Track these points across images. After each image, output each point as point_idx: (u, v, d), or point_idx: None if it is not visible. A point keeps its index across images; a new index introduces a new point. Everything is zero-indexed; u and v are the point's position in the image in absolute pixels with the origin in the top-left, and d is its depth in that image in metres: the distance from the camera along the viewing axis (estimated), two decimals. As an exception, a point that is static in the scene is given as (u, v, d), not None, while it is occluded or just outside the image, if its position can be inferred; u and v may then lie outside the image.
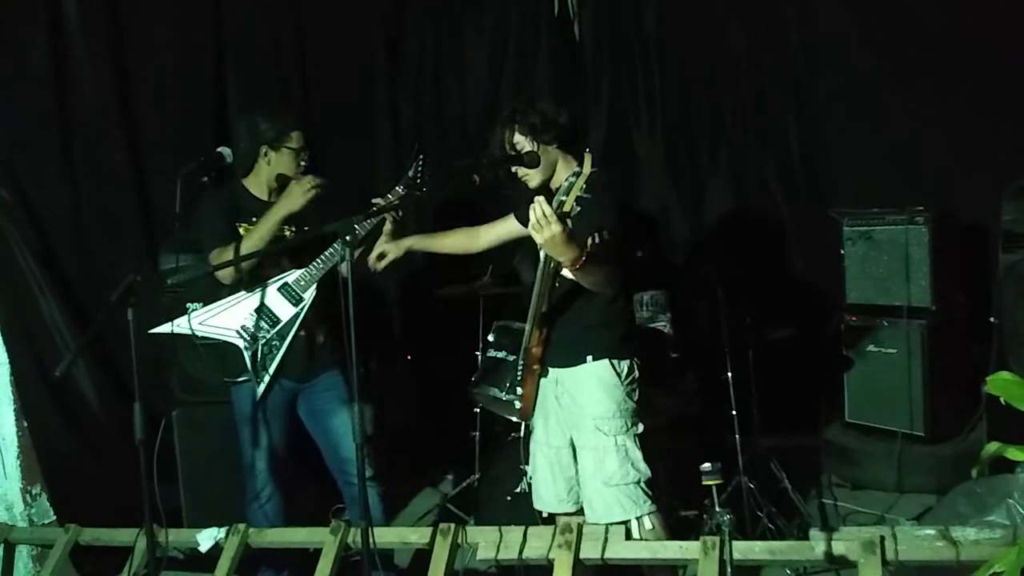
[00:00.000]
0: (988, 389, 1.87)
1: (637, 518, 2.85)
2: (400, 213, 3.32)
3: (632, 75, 5.38)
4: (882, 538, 2.61)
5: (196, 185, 3.06)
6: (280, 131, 3.34)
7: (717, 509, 2.58)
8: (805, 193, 5.13)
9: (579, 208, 2.47)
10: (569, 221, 2.43)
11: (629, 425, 2.88)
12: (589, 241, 2.52)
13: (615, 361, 2.89)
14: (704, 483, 2.79)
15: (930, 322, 4.28)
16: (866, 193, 4.64)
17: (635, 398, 2.92)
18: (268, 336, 3.34)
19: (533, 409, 3.08)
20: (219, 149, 3.21)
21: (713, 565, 2.58)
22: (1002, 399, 1.88)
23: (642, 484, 2.86)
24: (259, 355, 3.35)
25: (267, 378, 3.35)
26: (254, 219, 3.33)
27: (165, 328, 3.33)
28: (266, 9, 4.92)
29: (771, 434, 4.17)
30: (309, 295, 3.32)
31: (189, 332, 3.29)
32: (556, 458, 3.02)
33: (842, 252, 4.58)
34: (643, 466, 2.87)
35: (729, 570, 2.37)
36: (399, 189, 3.35)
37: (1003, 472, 3.13)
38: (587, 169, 2.53)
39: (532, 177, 2.91)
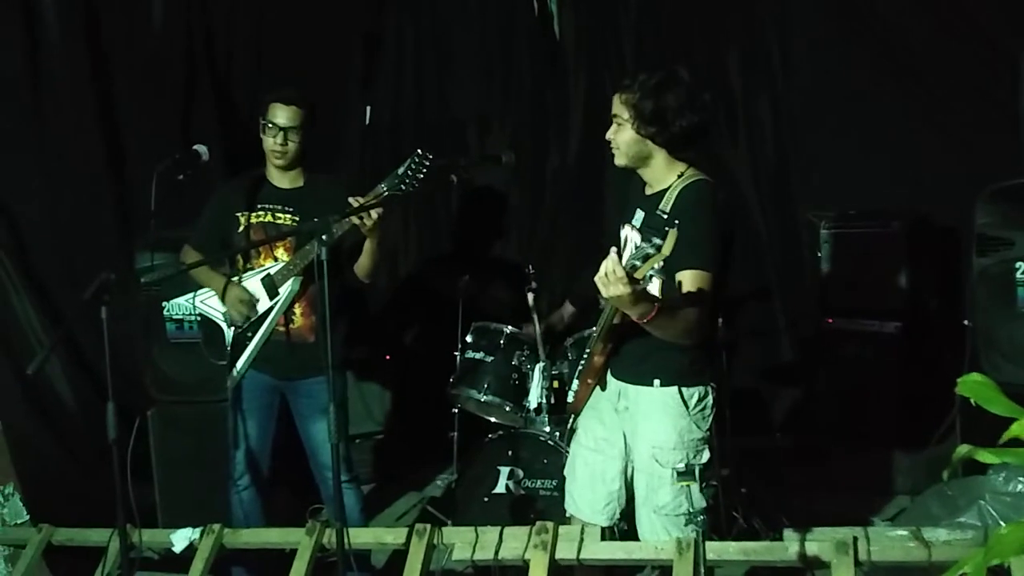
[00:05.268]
0: (959, 391, 1.88)
1: None
2: (379, 213, 3.05)
3: (612, 76, 5.38)
4: (855, 539, 2.64)
5: (171, 183, 3.03)
6: (264, 105, 3.29)
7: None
8: (780, 196, 5.15)
9: (653, 277, 2.26)
10: (641, 282, 2.23)
11: (690, 457, 2.67)
12: (661, 290, 2.29)
13: (684, 388, 2.69)
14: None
15: (904, 325, 4.32)
16: (841, 196, 4.67)
17: (705, 427, 2.73)
18: (244, 325, 3.33)
19: (582, 409, 2.97)
20: (195, 147, 3.18)
21: (688, 566, 2.59)
22: (973, 401, 1.89)
23: (694, 516, 2.70)
24: (236, 342, 3.36)
25: (238, 367, 3.33)
26: (268, 205, 3.32)
27: (180, 299, 3.68)
28: (247, 3, 4.89)
29: (746, 435, 4.18)
30: (285, 290, 3.26)
31: (191, 307, 3.52)
32: (601, 468, 2.86)
33: (818, 255, 4.61)
34: (698, 498, 2.60)
35: (703, 570, 2.38)
36: (382, 187, 3.13)
37: (975, 474, 3.16)
38: (680, 184, 2.58)
39: (617, 155, 2.73)
